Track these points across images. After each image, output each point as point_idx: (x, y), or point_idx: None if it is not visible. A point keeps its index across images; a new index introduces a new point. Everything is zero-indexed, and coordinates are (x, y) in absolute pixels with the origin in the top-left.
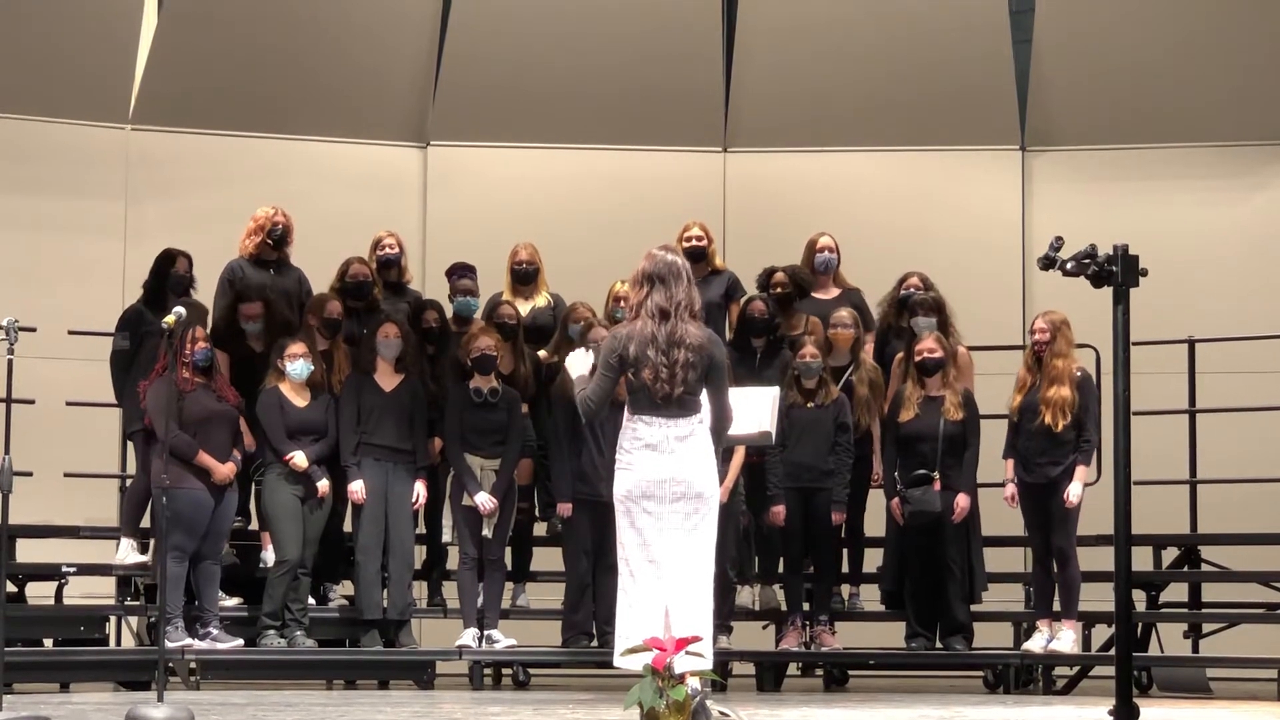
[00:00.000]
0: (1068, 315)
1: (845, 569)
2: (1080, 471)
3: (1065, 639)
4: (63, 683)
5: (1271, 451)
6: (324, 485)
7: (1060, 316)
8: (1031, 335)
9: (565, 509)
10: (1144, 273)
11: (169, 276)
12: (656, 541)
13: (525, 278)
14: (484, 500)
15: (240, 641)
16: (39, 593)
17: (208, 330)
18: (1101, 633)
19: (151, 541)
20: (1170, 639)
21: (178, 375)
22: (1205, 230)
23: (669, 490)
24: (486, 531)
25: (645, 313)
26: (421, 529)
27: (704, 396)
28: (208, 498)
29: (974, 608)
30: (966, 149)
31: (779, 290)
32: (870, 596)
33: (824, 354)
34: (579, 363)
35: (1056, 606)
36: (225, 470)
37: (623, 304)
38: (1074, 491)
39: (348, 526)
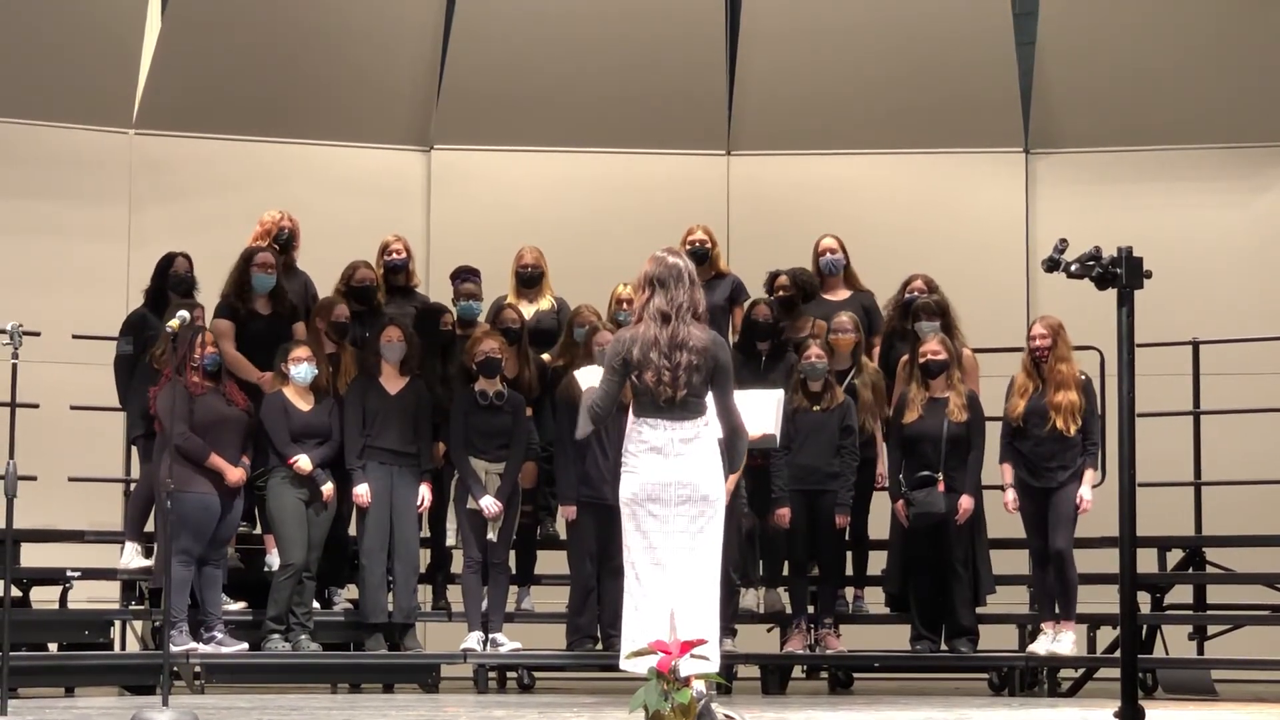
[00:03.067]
0: (1072, 317)
1: (850, 571)
2: (1089, 475)
3: (1065, 641)
4: (68, 687)
5: (1276, 453)
6: (328, 489)
7: (1057, 321)
8: (1030, 341)
9: (570, 512)
10: (1148, 275)
11: (169, 278)
12: (662, 544)
13: (530, 281)
14: (488, 504)
15: (245, 645)
16: (43, 597)
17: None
18: (1106, 635)
19: (156, 545)
20: (1175, 641)
21: (187, 379)
22: (1209, 232)
23: (674, 493)
24: (491, 535)
25: (647, 316)
26: (426, 532)
27: (709, 399)
28: (216, 502)
29: (979, 610)
30: (970, 152)
31: (782, 293)
32: (875, 599)
33: (827, 356)
34: (589, 376)
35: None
36: (238, 474)
37: (625, 306)
38: (1086, 495)
39: (352, 530)
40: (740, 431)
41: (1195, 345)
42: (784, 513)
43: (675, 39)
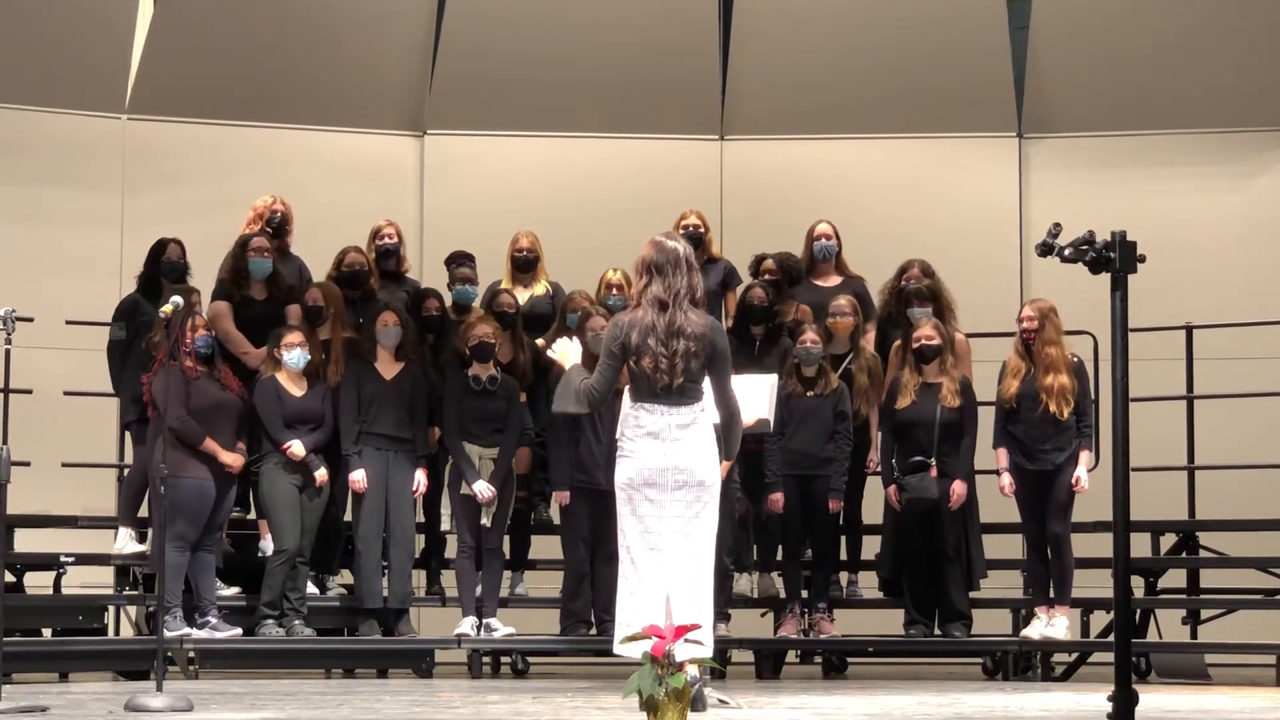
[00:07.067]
0: (1065, 301)
1: (843, 556)
2: (1084, 457)
3: (1059, 625)
4: (62, 672)
5: (1269, 437)
6: (321, 474)
7: (1048, 304)
8: (1019, 324)
9: (563, 497)
10: (1142, 259)
11: (162, 264)
12: (658, 529)
13: (525, 266)
14: (482, 489)
15: (239, 631)
16: (37, 583)
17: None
18: (1100, 619)
19: (150, 530)
20: (1169, 625)
21: (181, 363)
22: (1202, 216)
23: (671, 478)
24: (485, 520)
25: (645, 301)
26: (420, 517)
27: (706, 384)
28: (211, 487)
29: (972, 594)
30: (964, 136)
31: (768, 277)
32: (869, 584)
33: (824, 341)
34: (567, 351)
35: (1051, 594)
36: (235, 458)
37: (615, 292)
38: (1082, 476)
39: (347, 516)
40: (737, 418)
41: (1189, 330)
42: (777, 498)
43: (668, 24)
